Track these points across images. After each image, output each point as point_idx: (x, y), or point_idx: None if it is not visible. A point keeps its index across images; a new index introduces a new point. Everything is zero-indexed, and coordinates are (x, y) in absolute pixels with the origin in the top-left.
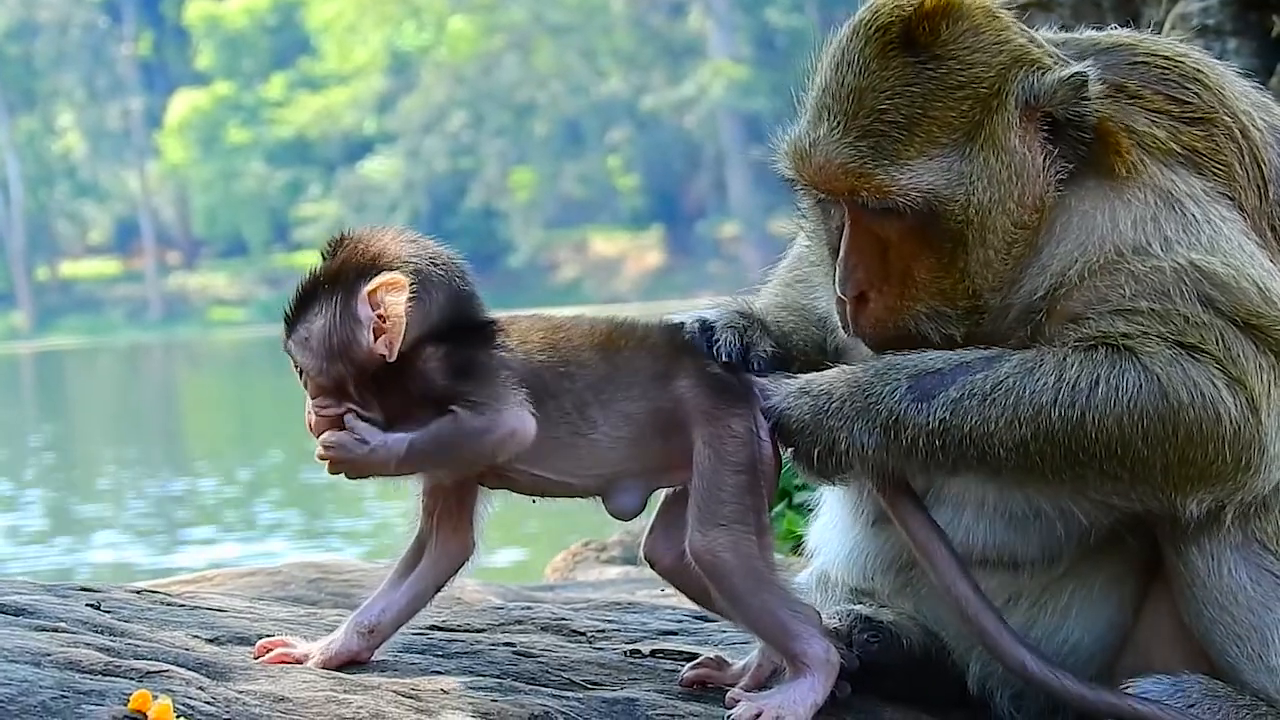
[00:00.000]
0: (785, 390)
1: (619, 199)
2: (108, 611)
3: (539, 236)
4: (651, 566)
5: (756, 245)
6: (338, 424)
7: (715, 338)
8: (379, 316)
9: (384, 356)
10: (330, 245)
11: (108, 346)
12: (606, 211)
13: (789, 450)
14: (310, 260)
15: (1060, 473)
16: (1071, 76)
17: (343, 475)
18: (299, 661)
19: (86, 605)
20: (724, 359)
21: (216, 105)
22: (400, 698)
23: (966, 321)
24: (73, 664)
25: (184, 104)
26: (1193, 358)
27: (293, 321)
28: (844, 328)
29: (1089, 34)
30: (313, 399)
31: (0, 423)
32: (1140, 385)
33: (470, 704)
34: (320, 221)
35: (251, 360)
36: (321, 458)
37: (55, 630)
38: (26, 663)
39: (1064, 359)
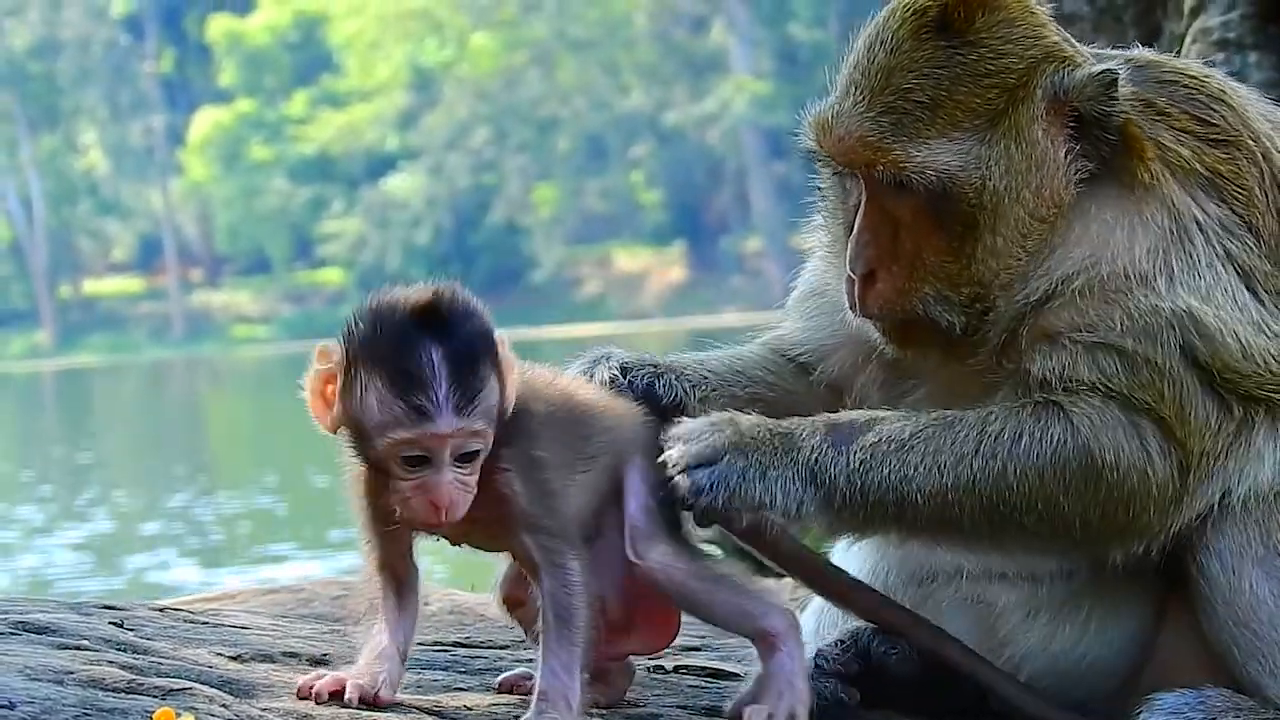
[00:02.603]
0: (693, 426)
1: (642, 214)
2: (130, 629)
3: (562, 253)
4: (508, 609)
5: (779, 260)
6: (467, 496)
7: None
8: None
9: (504, 415)
10: (446, 301)
11: (131, 364)
12: (629, 227)
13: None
14: (335, 277)
15: (978, 526)
16: (1102, 73)
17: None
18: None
19: (109, 623)
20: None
21: (239, 122)
22: (423, 713)
23: (968, 311)
24: (95, 682)
25: (206, 121)
26: (1132, 420)
27: (472, 392)
28: (851, 307)
29: (1118, 51)
30: (467, 473)
31: (33, 439)
32: (1065, 441)
33: None
34: (343, 238)
35: (276, 377)
36: None
37: (78, 648)
38: (49, 681)
39: (989, 414)
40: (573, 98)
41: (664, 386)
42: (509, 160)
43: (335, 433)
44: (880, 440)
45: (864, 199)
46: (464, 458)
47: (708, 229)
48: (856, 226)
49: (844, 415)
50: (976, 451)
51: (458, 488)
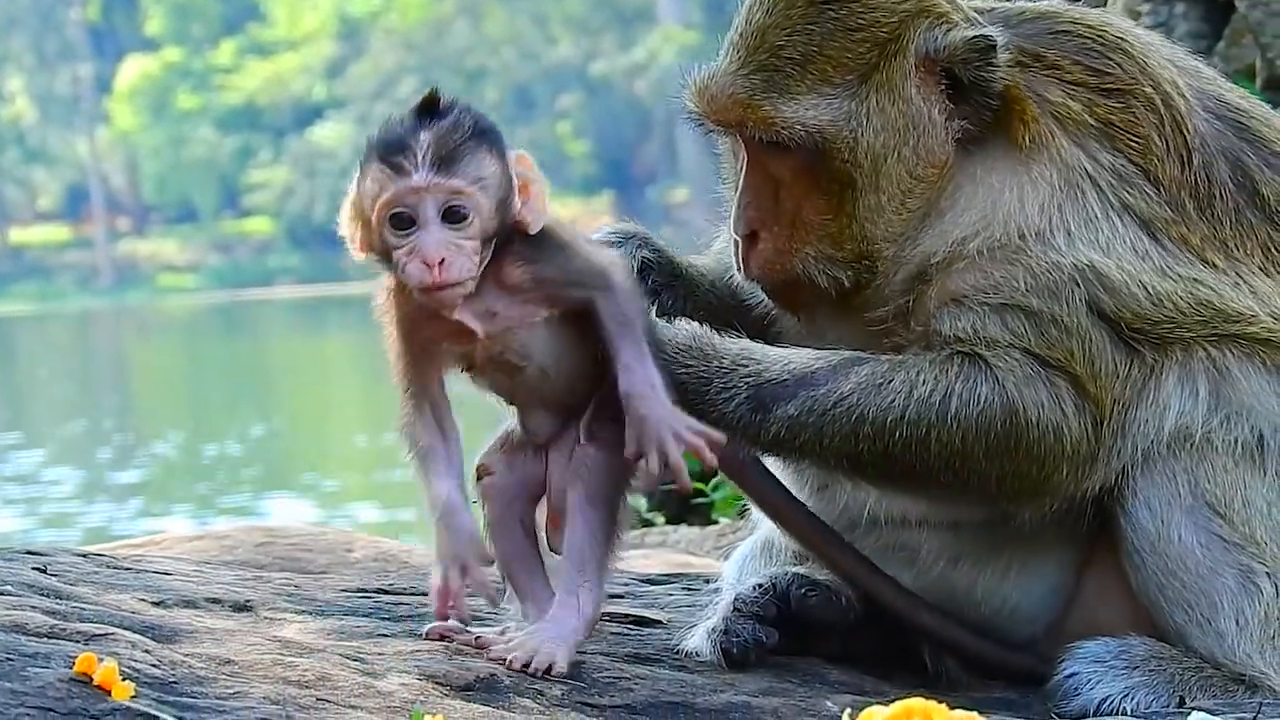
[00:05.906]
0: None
1: (569, 165)
2: (53, 575)
3: None
4: (478, 477)
5: (707, 210)
6: (464, 261)
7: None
8: (523, 185)
9: (526, 227)
10: (447, 97)
11: (58, 313)
12: (557, 177)
13: None
14: (262, 226)
15: (886, 481)
16: (976, 38)
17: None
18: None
19: (32, 568)
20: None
21: (166, 71)
22: (346, 660)
23: (854, 268)
24: (18, 627)
25: (133, 70)
26: (1049, 377)
27: (455, 157)
28: (737, 269)
29: (1017, 3)
30: (459, 235)
31: None
32: (991, 399)
33: (416, 666)
34: (270, 188)
35: (204, 326)
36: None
37: (0, 594)
38: None
39: (917, 374)
40: (500, 48)
41: (670, 297)
42: None
43: (362, 251)
44: (802, 413)
45: (745, 160)
46: (453, 217)
47: (635, 179)
48: (739, 188)
49: (770, 368)
50: (903, 417)
51: (449, 247)
